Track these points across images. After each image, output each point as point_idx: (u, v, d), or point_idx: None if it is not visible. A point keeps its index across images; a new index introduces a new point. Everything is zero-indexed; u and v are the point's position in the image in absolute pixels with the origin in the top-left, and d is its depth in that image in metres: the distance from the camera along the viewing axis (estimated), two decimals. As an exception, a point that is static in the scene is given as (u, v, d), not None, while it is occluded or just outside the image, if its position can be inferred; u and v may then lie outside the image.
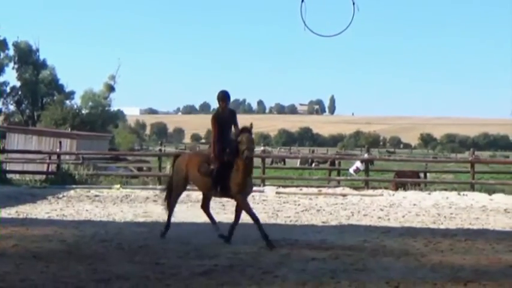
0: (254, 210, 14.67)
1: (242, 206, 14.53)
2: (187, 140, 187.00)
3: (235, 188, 14.25)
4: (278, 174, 37.97)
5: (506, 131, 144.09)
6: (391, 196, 28.15)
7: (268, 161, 45.22)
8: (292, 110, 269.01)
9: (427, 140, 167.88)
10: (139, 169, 38.22)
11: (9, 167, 34.44)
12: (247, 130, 14.31)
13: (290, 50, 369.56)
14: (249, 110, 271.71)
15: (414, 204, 25.18)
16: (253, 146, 14.35)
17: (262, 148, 42.97)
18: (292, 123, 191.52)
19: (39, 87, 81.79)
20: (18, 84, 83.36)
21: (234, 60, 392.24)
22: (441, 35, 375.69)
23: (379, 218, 20.70)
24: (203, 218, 19.09)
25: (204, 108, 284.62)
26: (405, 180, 33.18)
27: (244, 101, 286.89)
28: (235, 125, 14.77)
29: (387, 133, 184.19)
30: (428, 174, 36.71)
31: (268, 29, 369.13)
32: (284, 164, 52.74)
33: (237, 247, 13.86)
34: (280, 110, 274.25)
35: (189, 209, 21.72)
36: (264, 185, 30.79)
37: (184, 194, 24.19)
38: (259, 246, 13.92)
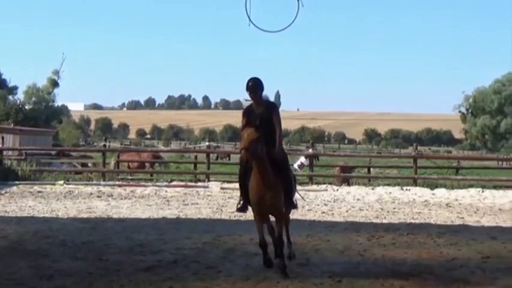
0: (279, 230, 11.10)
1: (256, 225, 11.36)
2: (132, 135, 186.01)
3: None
4: (223, 169, 37.92)
5: (448, 127, 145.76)
6: (335, 191, 28.35)
7: (213, 156, 45.24)
8: (238, 106, 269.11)
9: (371, 136, 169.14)
10: (84, 165, 37.90)
11: None
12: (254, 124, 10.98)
13: (235, 45, 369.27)
14: (194, 106, 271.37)
15: (358, 199, 25.45)
16: (254, 146, 10.49)
17: (206, 143, 42.82)
18: (238, 119, 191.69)
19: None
20: None
21: (180, 56, 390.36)
22: (386, 28, 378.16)
23: (323, 212, 20.86)
24: (147, 214, 19.10)
25: (149, 103, 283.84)
26: (349, 175, 33.49)
27: (189, 96, 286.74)
28: (275, 122, 11.18)
29: (332, 128, 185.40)
30: (372, 169, 37.06)
31: (214, 23, 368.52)
32: (229, 159, 52.68)
33: (181, 242, 13.83)
34: (226, 105, 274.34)
35: (133, 205, 21.68)
36: (209, 181, 30.84)
37: (128, 189, 24.37)
38: (203, 241, 13.93)
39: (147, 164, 35.44)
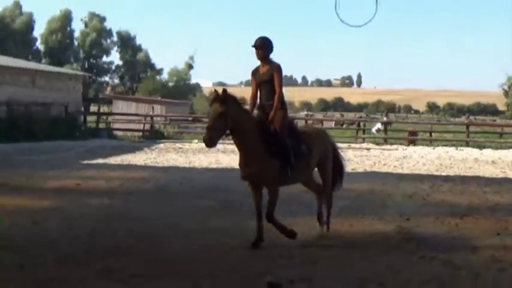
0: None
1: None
2: (247, 106, 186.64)
3: None
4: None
5: (494, 101, 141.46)
6: (404, 150, 28.21)
7: (309, 122, 45.25)
8: (329, 84, 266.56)
9: (432, 107, 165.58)
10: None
11: (115, 125, 34.89)
12: (218, 98, 7.92)
13: (327, 35, 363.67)
14: (295, 83, 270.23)
15: (422, 157, 25.12)
16: (212, 123, 7.78)
17: (305, 113, 42.92)
18: (328, 94, 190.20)
19: (136, 66, 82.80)
20: (120, 63, 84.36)
21: (283, 41, 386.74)
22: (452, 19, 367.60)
23: (395, 167, 20.65)
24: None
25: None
26: (415, 138, 33.11)
27: (291, 76, 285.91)
28: (275, 84, 8.44)
29: (401, 101, 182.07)
30: (433, 133, 36.49)
31: (312, 20, 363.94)
32: (322, 125, 52.50)
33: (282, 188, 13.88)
34: (319, 83, 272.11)
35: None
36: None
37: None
38: (302, 187, 13.95)
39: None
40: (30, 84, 30.37)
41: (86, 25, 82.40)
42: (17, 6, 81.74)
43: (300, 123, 37.38)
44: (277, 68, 8.55)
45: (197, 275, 6.67)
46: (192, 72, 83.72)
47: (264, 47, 8.57)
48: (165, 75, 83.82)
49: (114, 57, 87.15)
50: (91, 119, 35.32)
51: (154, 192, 13.09)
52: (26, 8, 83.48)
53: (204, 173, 16.96)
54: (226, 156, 22.74)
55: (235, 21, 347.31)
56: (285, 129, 8.37)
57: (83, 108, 39.49)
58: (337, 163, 9.59)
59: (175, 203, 11.43)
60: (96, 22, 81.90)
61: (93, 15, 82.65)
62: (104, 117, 36.94)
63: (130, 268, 6.84)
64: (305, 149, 8.46)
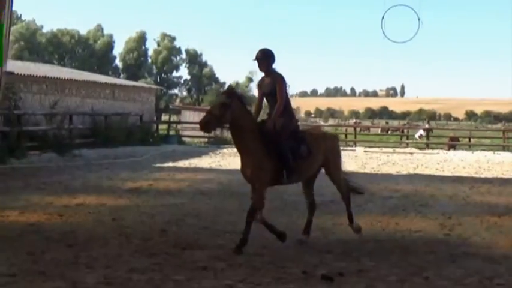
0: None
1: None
2: (301, 115, 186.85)
3: None
4: (365, 138, 37.62)
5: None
6: (445, 154, 27.73)
7: (358, 129, 44.96)
8: (375, 94, 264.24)
9: (470, 116, 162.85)
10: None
11: (183, 133, 35.23)
12: (226, 91, 7.72)
13: (372, 49, 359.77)
14: (344, 94, 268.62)
15: (462, 160, 24.62)
16: (213, 109, 7.46)
17: (353, 120, 42.72)
18: (374, 103, 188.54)
19: (202, 80, 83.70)
20: (188, 77, 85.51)
21: (332, 54, 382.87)
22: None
23: (437, 169, 20.26)
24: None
25: (313, 93, 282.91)
26: (455, 143, 32.51)
27: (341, 87, 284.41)
28: (278, 94, 7.73)
29: (441, 110, 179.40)
30: (471, 139, 35.80)
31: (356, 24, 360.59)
32: (369, 131, 52.10)
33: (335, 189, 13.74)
34: (366, 94, 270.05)
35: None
36: (356, 146, 30.65)
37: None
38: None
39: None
40: (111, 96, 30.94)
41: (159, 44, 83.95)
42: (99, 28, 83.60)
43: (349, 130, 37.08)
44: (279, 78, 7.87)
45: (259, 266, 6.63)
46: (251, 84, 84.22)
47: (265, 59, 7.91)
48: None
49: (183, 72, 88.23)
50: (162, 127, 35.81)
51: (220, 192, 13.12)
52: (106, 30, 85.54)
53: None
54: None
55: (289, 36, 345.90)
56: (285, 133, 7.67)
57: (155, 118, 39.98)
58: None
59: (238, 202, 11.41)
60: (168, 41, 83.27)
61: (164, 36, 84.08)
62: (174, 125, 37.50)
63: (202, 261, 6.83)
64: (305, 150, 7.77)
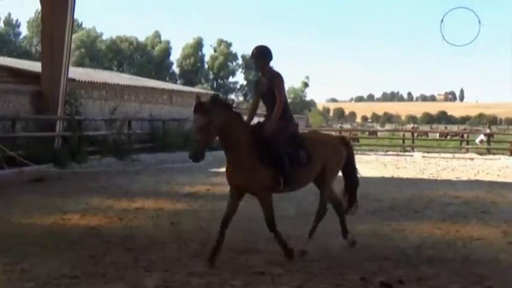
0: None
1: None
2: (358, 120, 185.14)
3: None
4: (423, 143, 37.03)
5: None
6: (507, 160, 26.98)
7: (415, 134, 44.33)
8: (433, 98, 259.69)
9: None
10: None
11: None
12: (198, 107, 6.69)
13: (430, 52, 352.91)
14: (401, 99, 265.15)
15: (524, 166, 23.94)
16: (195, 135, 6.74)
17: (411, 125, 42.14)
18: (432, 108, 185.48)
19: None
20: (244, 83, 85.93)
21: (387, 58, 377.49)
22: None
23: (498, 175, 19.77)
24: (371, 174, 18.88)
25: (370, 97, 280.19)
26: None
27: (398, 92, 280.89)
28: (276, 94, 7.19)
29: (502, 115, 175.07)
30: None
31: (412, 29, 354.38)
32: (427, 136, 51.26)
33: (395, 194, 13.60)
34: (424, 98, 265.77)
35: (361, 167, 21.60)
36: (413, 151, 30.20)
37: (357, 156, 23.93)
38: (411, 194, 13.63)
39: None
40: (168, 102, 31.37)
41: (215, 50, 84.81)
42: (157, 35, 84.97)
43: (406, 135, 36.53)
44: (278, 78, 7.28)
45: (316, 272, 6.59)
46: (307, 89, 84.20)
47: (261, 56, 7.36)
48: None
49: (239, 78, 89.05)
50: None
51: (276, 196, 13.07)
52: (164, 37, 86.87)
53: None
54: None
55: (345, 41, 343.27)
56: (283, 138, 7.11)
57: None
58: (348, 175, 8.15)
59: (295, 206, 11.36)
60: (224, 47, 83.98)
61: (221, 42, 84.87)
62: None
63: (259, 266, 6.86)
64: (304, 156, 7.20)
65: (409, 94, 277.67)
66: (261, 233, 8.76)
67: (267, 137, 7.01)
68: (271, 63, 7.46)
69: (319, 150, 7.46)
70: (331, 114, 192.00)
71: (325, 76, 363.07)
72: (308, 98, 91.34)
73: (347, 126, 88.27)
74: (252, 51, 7.41)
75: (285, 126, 7.25)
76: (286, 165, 6.98)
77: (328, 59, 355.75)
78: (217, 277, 6.34)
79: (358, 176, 8.37)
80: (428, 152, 29.98)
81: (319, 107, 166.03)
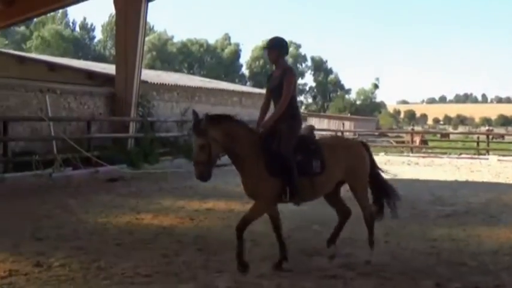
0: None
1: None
2: (429, 122, 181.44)
3: None
4: (499, 146, 35.92)
5: None
6: None
7: (490, 137, 43.14)
8: (508, 100, 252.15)
9: None
10: (398, 142, 37.68)
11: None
12: (195, 128, 6.44)
13: (507, 52, 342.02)
14: (475, 101, 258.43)
15: None
16: (196, 157, 6.38)
17: (486, 128, 40.98)
18: (508, 110, 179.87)
19: (327, 87, 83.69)
20: (313, 84, 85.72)
21: (462, 59, 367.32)
22: None
23: None
24: (443, 177, 18.47)
25: (442, 99, 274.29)
26: None
27: (471, 94, 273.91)
28: (284, 89, 6.63)
29: None
30: None
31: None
32: (503, 139, 49.77)
33: (470, 198, 13.25)
34: (499, 100, 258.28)
35: (433, 171, 21.16)
36: (488, 154, 29.34)
37: (429, 159, 23.42)
38: (487, 198, 13.24)
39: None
40: (238, 104, 31.61)
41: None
42: (227, 37, 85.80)
43: (480, 138, 35.57)
44: (289, 72, 6.75)
45: (389, 276, 6.50)
46: (377, 91, 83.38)
47: (274, 47, 6.86)
48: (353, 95, 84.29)
49: (308, 79, 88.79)
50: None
51: (346, 198, 12.93)
52: (234, 39, 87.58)
53: (392, 183, 16.44)
54: (411, 168, 22.19)
55: (418, 41, 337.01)
56: (293, 142, 6.58)
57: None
58: (376, 183, 7.49)
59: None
60: (293, 49, 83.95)
61: (290, 43, 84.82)
62: (300, 132, 37.76)
63: (331, 269, 6.80)
64: (317, 165, 6.63)
65: (484, 96, 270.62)
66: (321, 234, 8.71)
67: (273, 141, 6.52)
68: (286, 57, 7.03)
69: (338, 157, 6.88)
70: (401, 116, 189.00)
71: (396, 78, 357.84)
72: (378, 99, 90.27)
73: (418, 128, 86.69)
74: (267, 42, 6.98)
75: (294, 127, 6.72)
76: (294, 175, 6.46)
77: (399, 61, 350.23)
78: (288, 279, 6.33)
79: (386, 179, 7.73)
80: (504, 156, 29.05)
81: (390, 109, 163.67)
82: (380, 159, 26.35)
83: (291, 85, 6.65)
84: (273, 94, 6.83)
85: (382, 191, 7.53)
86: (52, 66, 25.92)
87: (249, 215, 6.57)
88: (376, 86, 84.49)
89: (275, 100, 6.79)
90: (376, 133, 42.22)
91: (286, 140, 6.54)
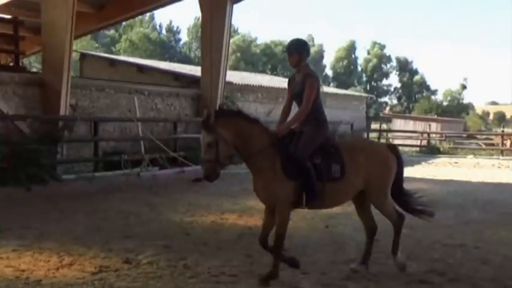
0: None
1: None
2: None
3: None
4: None
5: None
6: None
7: None
8: None
9: None
10: (488, 144, 36.41)
11: (394, 141, 34.75)
12: (204, 125, 6.05)
13: None
14: None
15: None
16: (203, 155, 6.15)
17: None
18: None
19: (413, 87, 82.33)
20: (398, 85, 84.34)
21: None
22: None
23: None
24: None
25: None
26: None
27: None
28: (305, 96, 6.36)
29: None
30: None
31: None
32: None
33: None
34: None
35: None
36: None
37: None
38: None
39: None
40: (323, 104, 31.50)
41: (368, 52, 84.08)
42: (310, 39, 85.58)
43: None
44: (311, 77, 6.42)
45: (480, 283, 6.29)
46: (465, 92, 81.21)
47: (295, 51, 6.52)
48: (439, 96, 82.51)
49: (393, 80, 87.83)
50: (373, 135, 35.59)
51: (434, 202, 12.59)
52: (317, 40, 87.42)
53: (481, 187, 15.98)
54: (501, 171, 21.42)
55: (507, 40, 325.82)
56: (312, 147, 6.23)
57: (366, 126, 39.95)
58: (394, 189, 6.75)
59: (454, 214, 10.94)
60: (377, 49, 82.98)
61: (374, 44, 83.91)
62: (384, 133, 37.13)
63: (418, 274, 6.66)
64: (337, 170, 6.21)
65: None
66: (422, 240, 8.53)
67: (291, 145, 6.21)
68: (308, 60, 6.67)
69: (359, 162, 6.38)
70: (490, 117, 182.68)
71: (485, 78, 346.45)
72: (466, 100, 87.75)
73: (509, 130, 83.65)
74: (287, 45, 6.68)
75: (314, 133, 6.37)
76: (312, 179, 6.10)
77: (488, 61, 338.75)
78: (375, 283, 6.24)
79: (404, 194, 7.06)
80: None
81: (478, 110, 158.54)
82: (468, 161, 25.77)
83: (313, 92, 6.38)
84: (296, 99, 6.58)
85: (402, 205, 6.98)
86: (141, 68, 26.66)
87: (279, 230, 6.21)
88: (464, 87, 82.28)
89: (299, 106, 6.56)
90: (464, 135, 41.02)
91: (305, 143, 6.25)
